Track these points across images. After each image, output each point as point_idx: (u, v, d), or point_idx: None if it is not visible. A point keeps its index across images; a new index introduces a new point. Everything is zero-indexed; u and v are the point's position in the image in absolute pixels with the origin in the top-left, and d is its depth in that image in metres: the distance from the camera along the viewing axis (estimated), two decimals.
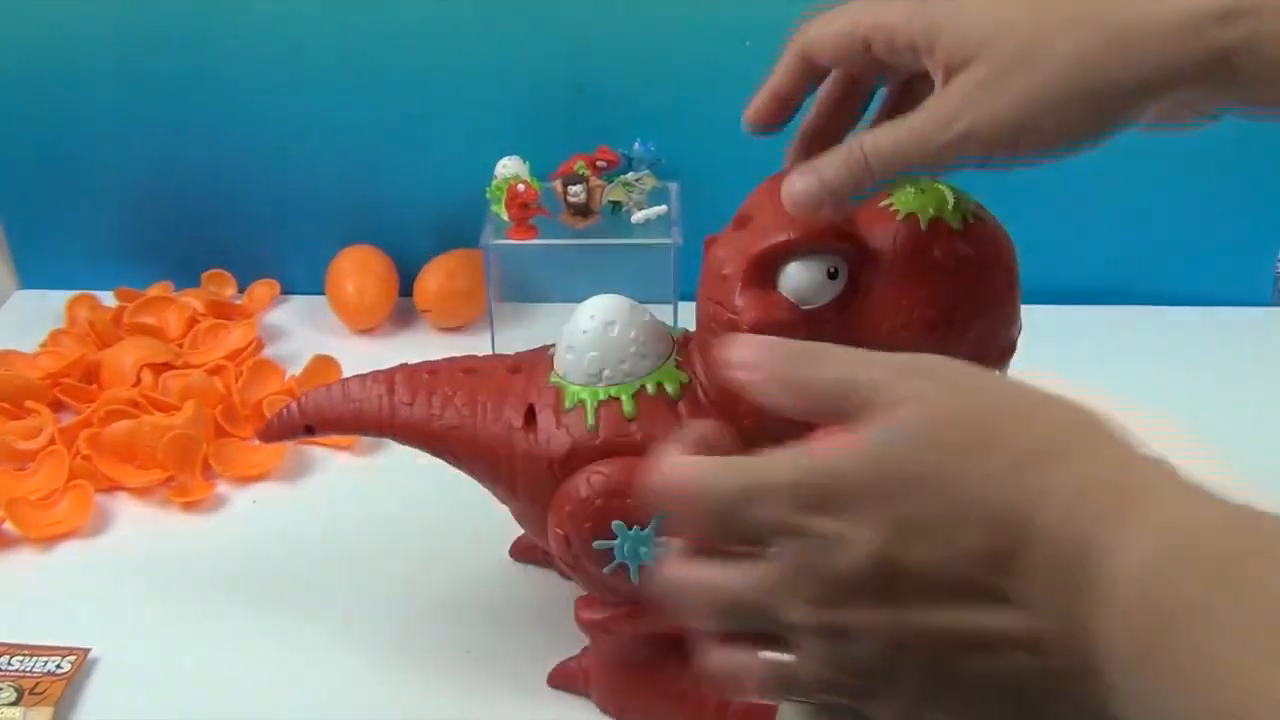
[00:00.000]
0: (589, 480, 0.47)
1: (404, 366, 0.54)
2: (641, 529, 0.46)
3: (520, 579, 0.61)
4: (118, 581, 0.62)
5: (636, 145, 0.81)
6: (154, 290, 0.88)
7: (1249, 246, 0.89)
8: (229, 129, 0.85)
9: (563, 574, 0.56)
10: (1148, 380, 0.80)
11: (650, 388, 0.48)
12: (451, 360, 0.54)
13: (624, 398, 0.47)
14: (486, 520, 0.57)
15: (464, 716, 0.54)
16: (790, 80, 0.46)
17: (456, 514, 0.66)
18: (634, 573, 0.47)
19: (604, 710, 0.53)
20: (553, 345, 0.51)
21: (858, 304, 0.44)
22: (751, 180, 0.86)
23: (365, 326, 0.86)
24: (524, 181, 0.78)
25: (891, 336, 0.44)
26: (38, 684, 0.54)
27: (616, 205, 0.79)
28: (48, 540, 0.65)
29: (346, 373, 0.80)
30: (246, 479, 0.70)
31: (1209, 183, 0.86)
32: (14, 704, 0.52)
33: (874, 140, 0.41)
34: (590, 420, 0.47)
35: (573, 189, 0.78)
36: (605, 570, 0.47)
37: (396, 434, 0.53)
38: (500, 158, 0.81)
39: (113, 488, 0.68)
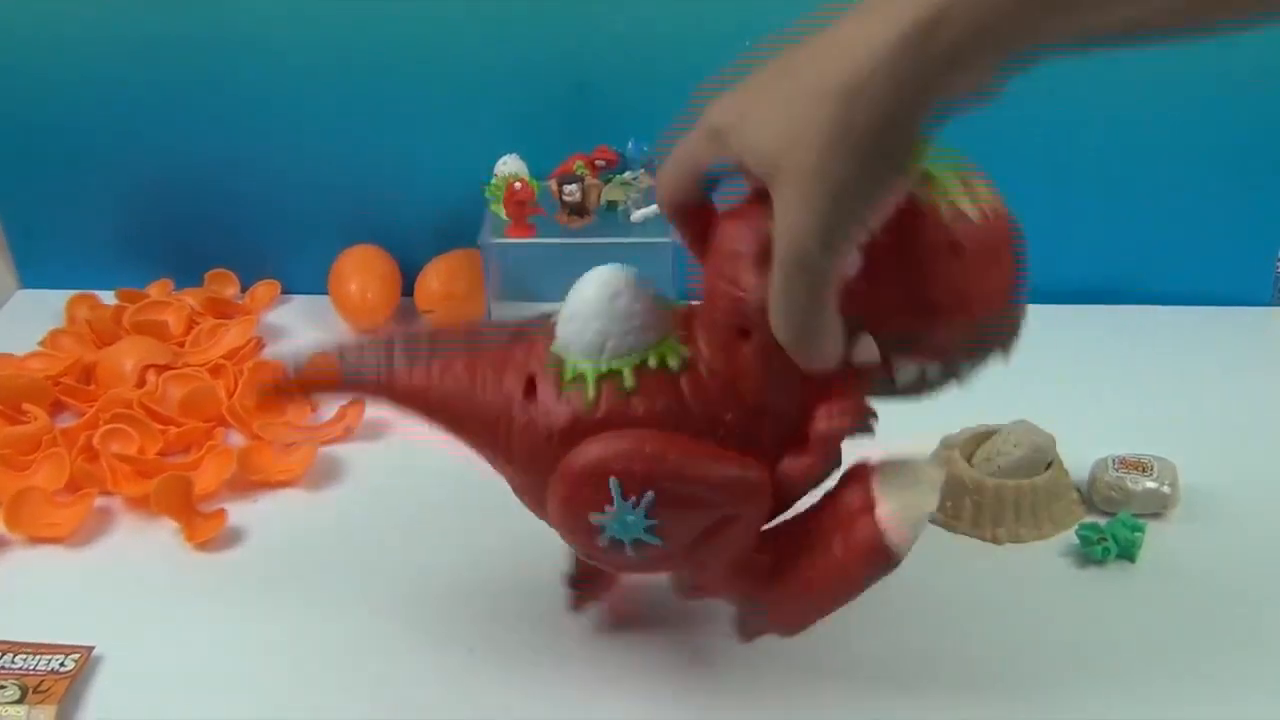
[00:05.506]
0: (552, 502, 0.47)
1: (403, 331, 0.53)
2: (635, 504, 0.45)
3: (522, 580, 0.61)
4: (121, 580, 0.62)
5: (630, 145, 0.81)
6: (153, 288, 0.88)
7: (1249, 246, 0.89)
8: (229, 129, 0.85)
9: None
10: (1147, 379, 0.80)
11: (652, 361, 0.47)
12: (452, 326, 0.54)
13: (625, 371, 0.47)
14: (488, 521, 0.57)
15: (466, 715, 0.54)
16: (689, 232, 0.48)
17: (457, 515, 0.66)
18: (653, 539, 0.46)
19: (792, 633, 0.51)
20: (555, 314, 0.50)
21: (865, 285, 0.44)
22: None
23: (368, 326, 0.86)
24: (521, 180, 0.78)
25: (895, 317, 0.44)
26: (41, 682, 0.54)
27: (614, 204, 0.80)
28: (49, 540, 0.65)
29: None
30: (276, 485, 0.70)
31: (1209, 183, 0.86)
32: (17, 702, 0.52)
33: (778, 325, 0.43)
34: (590, 394, 0.47)
35: (568, 188, 0.78)
36: (630, 554, 0.47)
37: (395, 399, 0.52)
38: (500, 157, 0.81)
39: (114, 493, 0.68)
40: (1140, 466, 0.66)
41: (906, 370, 0.46)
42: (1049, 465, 0.65)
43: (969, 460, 0.66)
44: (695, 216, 0.48)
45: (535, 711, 0.54)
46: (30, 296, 0.92)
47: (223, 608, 0.60)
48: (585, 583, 0.57)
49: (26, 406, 0.74)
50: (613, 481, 0.45)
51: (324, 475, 0.71)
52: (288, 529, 0.66)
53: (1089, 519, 0.65)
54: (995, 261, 0.45)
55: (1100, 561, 0.62)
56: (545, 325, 0.50)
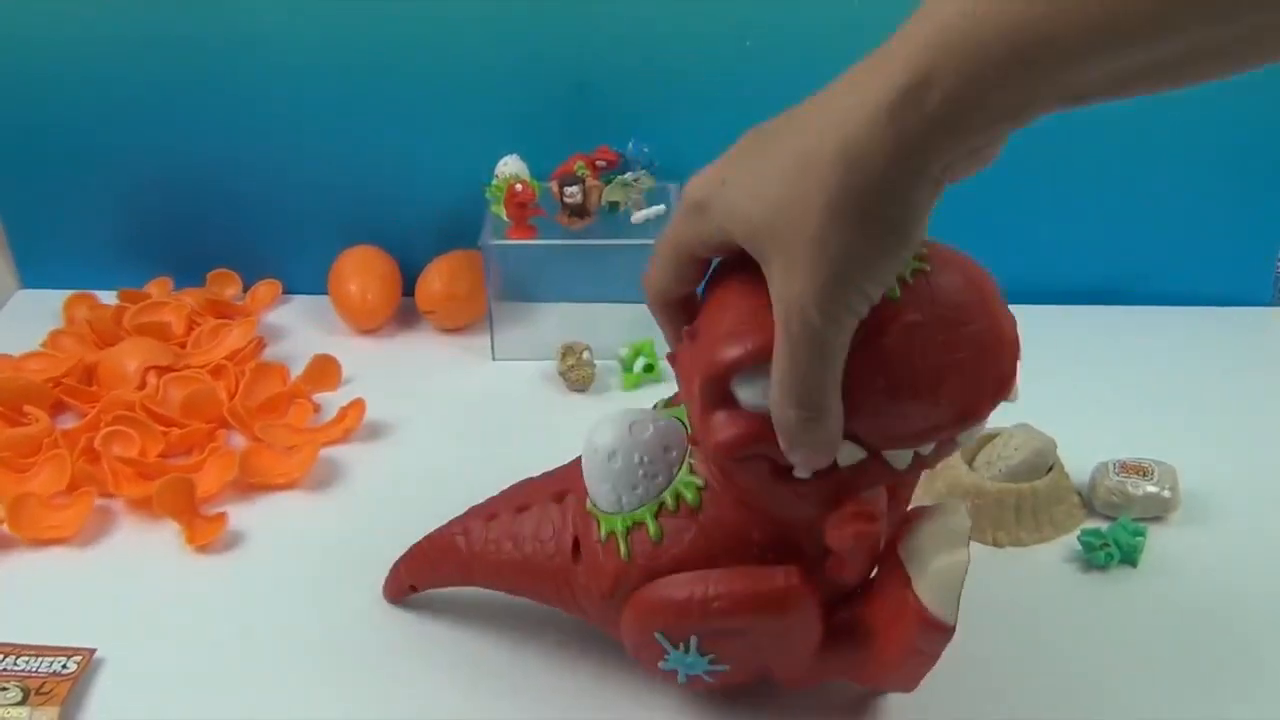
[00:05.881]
0: (626, 619, 0.49)
1: (470, 514, 0.57)
2: (686, 649, 0.48)
3: None
4: (123, 582, 0.62)
5: (631, 145, 0.81)
6: (152, 286, 0.88)
7: (1249, 246, 0.89)
8: (229, 129, 0.85)
9: None
10: (1148, 380, 0.80)
11: (670, 503, 0.48)
12: (507, 498, 0.56)
13: (648, 520, 0.48)
14: None
15: (466, 714, 0.54)
16: (677, 328, 0.47)
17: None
18: (719, 669, 0.49)
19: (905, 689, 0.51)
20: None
21: None
22: None
23: (369, 327, 0.86)
24: (522, 182, 0.78)
25: (863, 408, 0.42)
26: (43, 684, 0.54)
27: (615, 206, 0.80)
28: (50, 542, 0.65)
29: (348, 373, 0.81)
30: (275, 488, 0.70)
31: (1209, 183, 0.86)
32: (20, 704, 0.52)
33: (779, 416, 0.42)
34: (624, 550, 0.48)
35: (569, 189, 0.78)
36: (681, 682, 0.50)
37: (476, 578, 0.56)
38: (501, 157, 0.81)
39: (116, 495, 0.68)
40: (1141, 471, 0.66)
41: (899, 458, 0.44)
42: (1050, 469, 0.65)
43: (970, 464, 0.66)
44: (683, 309, 0.47)
45: (535, 711, 0.54)
46: (30, 296, 0.92)
47: (224, 610, 0.60)
48: None
49: (27, 408, 0.74)
50: (659, 635, 0.48)
51: (325, 477, 0.71)
52: (289, 531, 0.66)
53: (1090, 523, 0.65)
54: (960, 323, 0.42)
55: (1102, 566, 0.62)
56: (580, 476, 0.51)
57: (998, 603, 0.60)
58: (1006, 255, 0.91)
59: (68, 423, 0.75)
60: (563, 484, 0.53)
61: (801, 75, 0.80)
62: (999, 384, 0.44)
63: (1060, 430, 0.66)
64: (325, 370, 0.80)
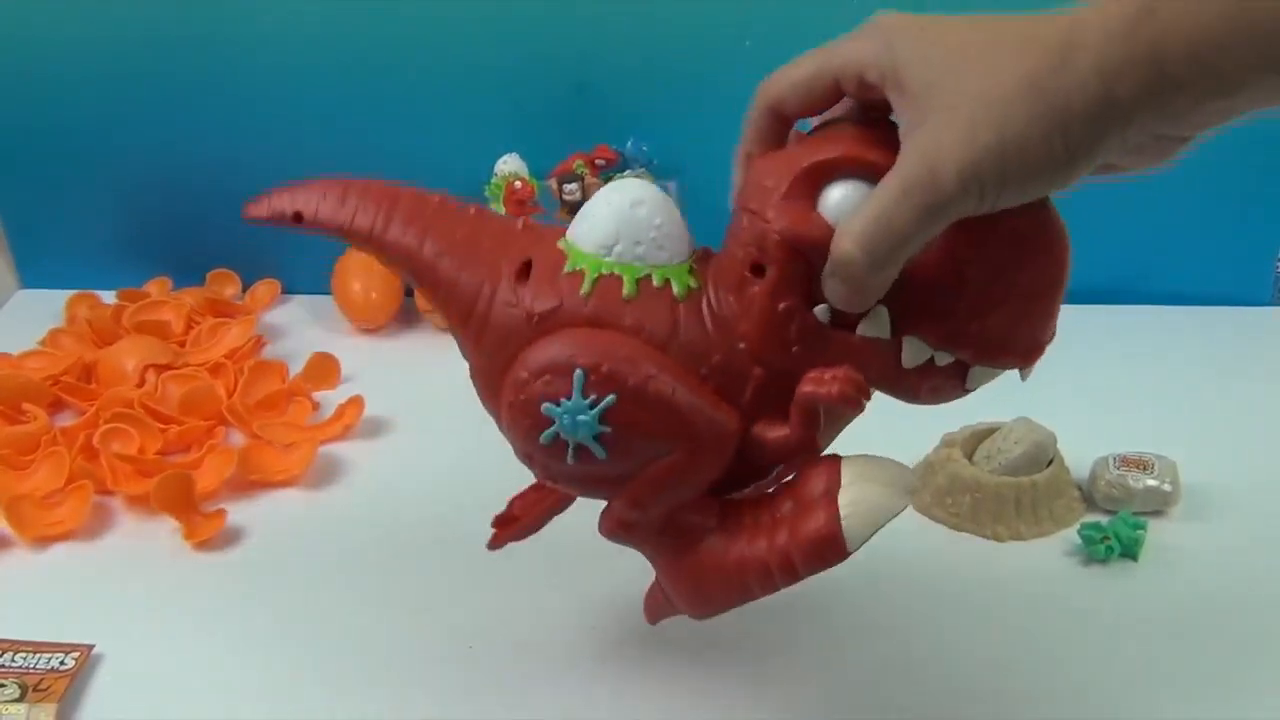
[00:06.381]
0: (512, 378, 0.45)
1: (414, 190, 0.50)
2: (593, 404, 0.43)
3: (521, 578, 0.61)
4: (121, 578, 0.62)
5: (630, 144, 0.81)
6: (151, 285, 0.88)
7: (1249, 246, 0.89)
8: (229, 129, 0.85)
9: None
10: (1148, 378, 0.80)
11: (656, 279, 0.45)
12: (465, 200, 0.51)
13: (626, 276, 0.45)
14: (487, 519, 0.57)
15: (465, 714, 0.54)
16: (763, 142, 0.45)
17: (456, 513, 0.66)
18: (595, 448, 0.44)
19: (695, 616, 0.50)
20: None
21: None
22: None
23: (371, 325, 0.86)
24: (521, 179, 0.78)
25: (919, 285, 0.41)
26: (41, 680, 0.54)
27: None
28: (48, 540, 0.65)
29: (347, 371, 0.81)
30: (274, 485, 0.70)
31: (1209, 183, 0.86)
32: (18, 700, 0.52)
33: (855, 235, 0.40)
34: (586, 287, 0.45)
35: (568, 187, 0.78)
36: (570, 462, 0.45)
37: (383, 251, 0.49)
38: (500, 156, 0.81)
39: (114, 492, 0.68)
40: (1141, 464, 0.66)
41: (916, 350, 0.43)
42: (1050, 462, 0.65)
43: (969, 457, 0.66)
44: (776, 125, 0.45)
45: (535, 710, 0.54)
46: (30, 296, 0.92)
47: (223, 606, 0.60)
48: (511, 521, 0.56)
49: (26, 406, 0.74)
50: (578, 373, 0.43)
51: (323, 474, 0.71)
52: (287, 528, 0.66)
53: (1090, 517, 0.65)
54: (1050, 257, 0.42)
55: (1103, 560, 0.62)
56: (559, 227, 0.48)
57: (998, 597, 0.60)
58: None
59: (66, 420, 0.75)
60: (532, 222, 0.49)
61: None
62: (1037, 340, 0.44)
63: (1060, 424, 0.66)
64: (324, 368, 0.80)
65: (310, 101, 0.84)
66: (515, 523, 0.56)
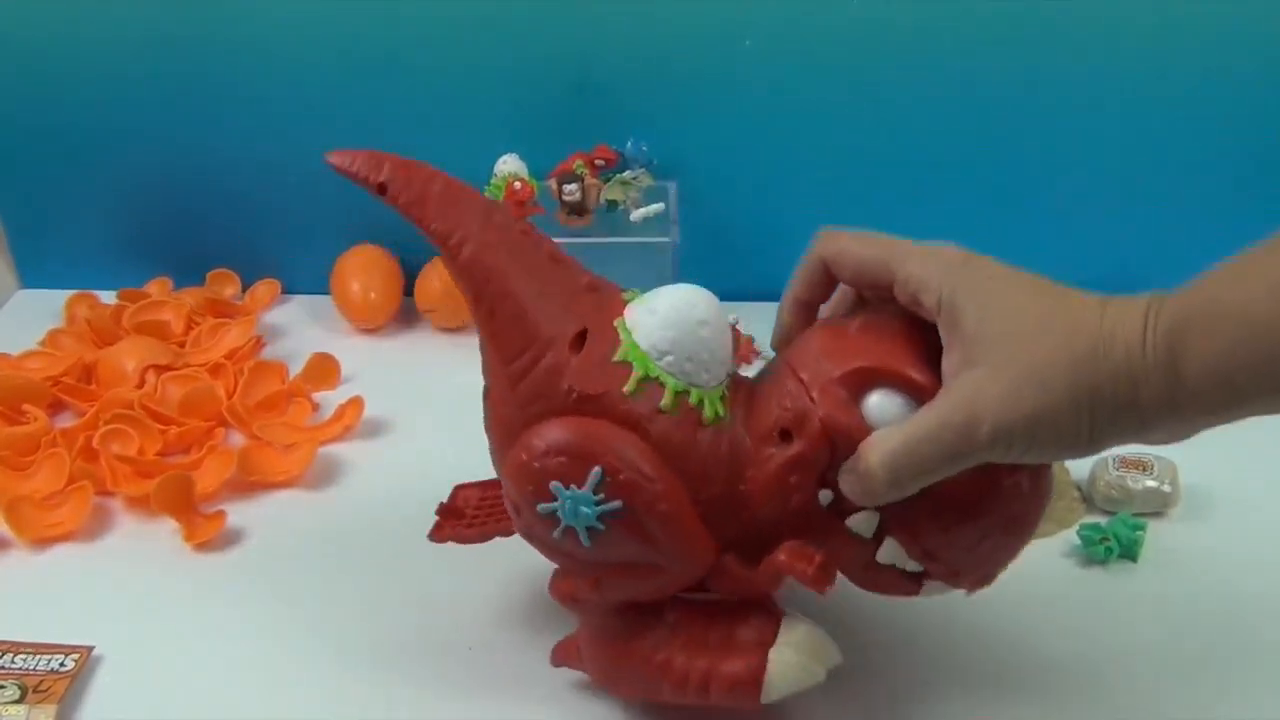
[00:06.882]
0: (525, 443, 0.46)
1: (504, 210, 0.50)
2: (579, 488, 0.45)
3: (521, 579, 0.61)
4: (120, 580, 0.62)
5: (629, 144, 0.81)
6: (151, 285, 0.88)
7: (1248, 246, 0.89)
8: (229, 129, 0.85)
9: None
10: None
11: (693, 398, 0.46)
12: (543, 235, 0.51)
13: (669, 389, 0.46)
14: None
15: (465, 715, 0.54)
16: (814, 290, 0.49)
17: None
18: (583, 536, 0.46)
19: (597, 684, 0.53)
20: (631, 292, 0.49)
21: None
22: (749, 179, 0.86)
23: (371, 325, 0.86)
24: (520, 180, 0.78)
25: (920, 505, 0.44)
26: (41, 682, 0.54)
27: (614, 204, 0.80)
28: (48, 541, 0.65)
29: (347, 371, 0.81)
30: (273, 486, 0.70)
31: (1209, 183, 0.86)
32: (18, 701, 0.52)
33: (885, 453, 0.42)
34: (631, 386, 0.46)
35: (568, 188, 0.78)
36: (554, 536, 0.46)
37: (456, 266, 0.48)
38: (500, 156, 0.81)
39: (114, 493, 0.68)
40: (1140, 465, 0.66)
41: (892, 552, 0.46)
42: None
43: None
44: (806, 312, 0.49)
45: (533, 712, 0.54)
46: (30, 296, 0.92)
47: (222, 608, 0.60)
48: (456, 514, 0.57)
49: (26, 407, 0.74)
50: (597, 470, 0.45)
51: (323, 475, 0.71)
52: (287, 529, 0.66)
53: (1089, 518, 0.65)
54: (1037, 513, 0.46)
55: (1102, 561, 0.62)
56: (618, 297, 0.49)
57: (996, 597, 0.60)
58: (1007, 255, 0.91)
59: (66, 421, 0.75)
60: (595, 282, 0.49)
61: (801, 75, 0.82)
62: (995, 574, 0.47)
63: None
64: (324, 369, 0.80)
65: (310, 101, 0.84)
66: (459, 516, 0.57)
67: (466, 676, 0.56)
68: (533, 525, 0.47)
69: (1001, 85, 0.81)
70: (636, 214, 0.79)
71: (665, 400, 0.46)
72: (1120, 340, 0.39)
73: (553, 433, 0.46)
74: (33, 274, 0.92)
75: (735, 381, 0.48)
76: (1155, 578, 0.61)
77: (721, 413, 0.46)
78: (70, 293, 0.88)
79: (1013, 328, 0.41)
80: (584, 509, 0.45)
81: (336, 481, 0.71)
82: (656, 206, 0.79)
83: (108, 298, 0.87)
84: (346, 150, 0.50)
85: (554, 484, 0.45)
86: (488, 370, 0.49)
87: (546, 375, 0.46)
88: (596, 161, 0.80)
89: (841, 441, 0.44)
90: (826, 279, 0.48)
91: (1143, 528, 0.63)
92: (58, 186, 0.88)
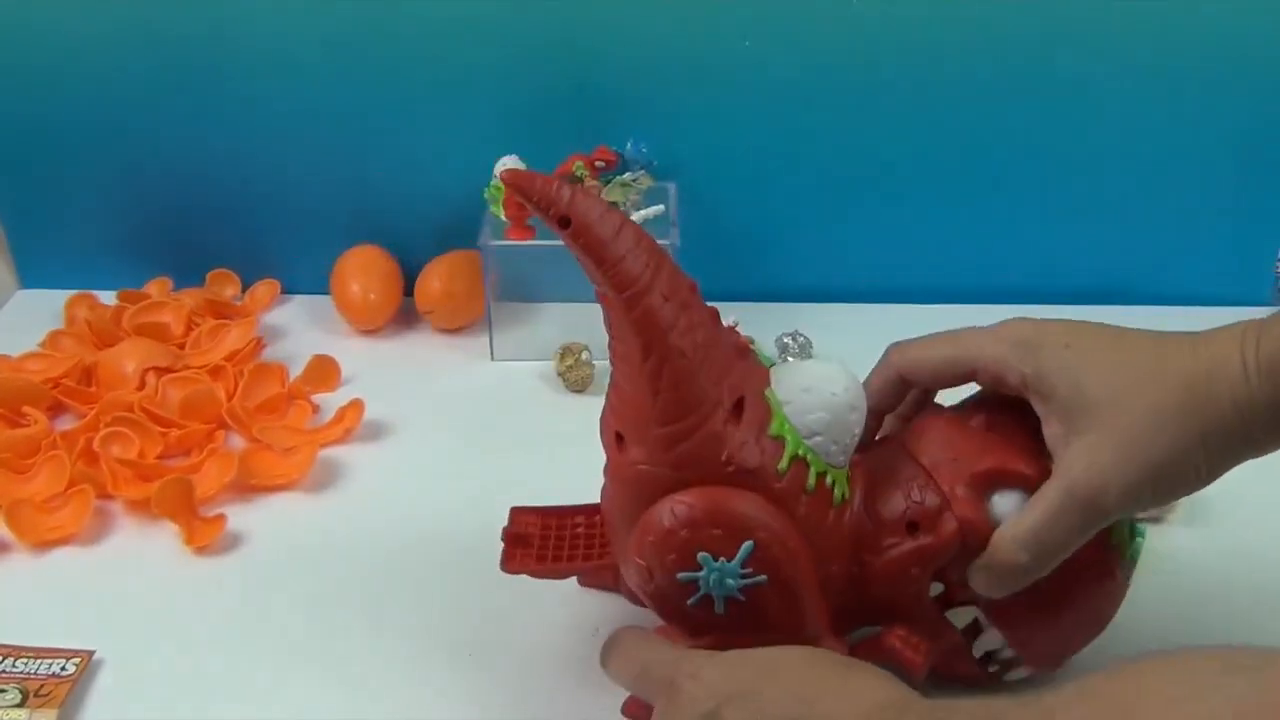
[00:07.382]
0: (673, 510, 0.46)
1: (670, 257, 0.47)
2: (728, 560, 0.46)
3: (522, 583, 0.61)
4: (122, 584, 0.62)
5: (629, 146, 0.81)
6: (151, 286, 0.88)
7: (1248, 246, 0.89)
8: (229, 129, 0.85)
9: (632, 600, 0.55)
10: None
11: (829, 479, 0.47)
12: (695, 293, 0.48)
13: (813, 469, 0.47)
14: (488, 522, 0.57)
15: (466, 717, 0.54)
16: (889, 400, 0.51)
17: (457, 517, 0.66)
18: (719, 604, 0.47)
19: None
20: (757, 347, 0.51)
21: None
22: (749, 179, 0.86)
23: (370, 326, 0.86)
24: None
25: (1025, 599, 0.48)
26: (42, 686, 0.54)
27: (614, 205, 0.79)
28: (48, 545, 0.65)
29: (347, 373, 0.81)
30: (274, 489, 0.70)
31: (1209, 183, 0.86)
32: (19, 706, 0.52)
33: (1021, 540, 0.45)
34: (784, 464, 0.46)
35: None
36: (690, 603, 0.47)
37: (630, 316, 0.45)
38: (500, 157, 0.81)
39: (115, 496, 0.68)
40: None
41: (991, 642, 0.50)
42: None
43: None
44: (886, 408, 0.52)
45: (535, 716, 0.54)
46: (30, 296, 0.92)
47: (223, 611, 0.60)
48: (524, 542, 0.56)
49: (26, 409, 0.74)
50: (749, 544, 0.46)
51: (323, 478, 0.71)
52: (287, 532, 0.66)
53: None
54: (1122, 595, 0.51)
55: None
56: (762, 368, 0.49)
57: None
58: (1008, 256, 0.91)
59: (66, 424, 0.75)
60: (741, 345, 0.49)
61: (801, 75, 0.82)
62: (1069, 656, 0.52)
63: None
64: (324, 371, 0.80)
65: (310, 102, 0.84)
66: (528, 545, 0.57)
67: (466, 682, 0.56)
68: (666, 589, 0.48)
69: (1002, 86, 0.81)
70: (636, 216, 0.79)
71: (810, 480, 0.47)
72: (1221, 376, 0.41)
73: (710, 505, 0.46)
74: (33, 274, 0.92)
75: (856, 461, 0.50)
76: (1155, 583, 0.61)
77: (847, 494, 0.48)
78: (70, 293, 0.88)
79: (1110, 389, 0.42)
80: (729, 580, 0.46)
81: (337, 484, 0.71)
82: (657, 208, 0.79)
83: (107, 298, 0.87)
84: (525, 171, 0.45)
85: (702, 554, 0.46)
86: (628, 421, 0.47)
87: (706, 442, 0.46)
88: (596, 163, 0.80)
89: (972, 540, 0.46)
90: (902, 388, 0.51)
91: (1142, 534, 0.62)
92: (58, 187, 0.88)
